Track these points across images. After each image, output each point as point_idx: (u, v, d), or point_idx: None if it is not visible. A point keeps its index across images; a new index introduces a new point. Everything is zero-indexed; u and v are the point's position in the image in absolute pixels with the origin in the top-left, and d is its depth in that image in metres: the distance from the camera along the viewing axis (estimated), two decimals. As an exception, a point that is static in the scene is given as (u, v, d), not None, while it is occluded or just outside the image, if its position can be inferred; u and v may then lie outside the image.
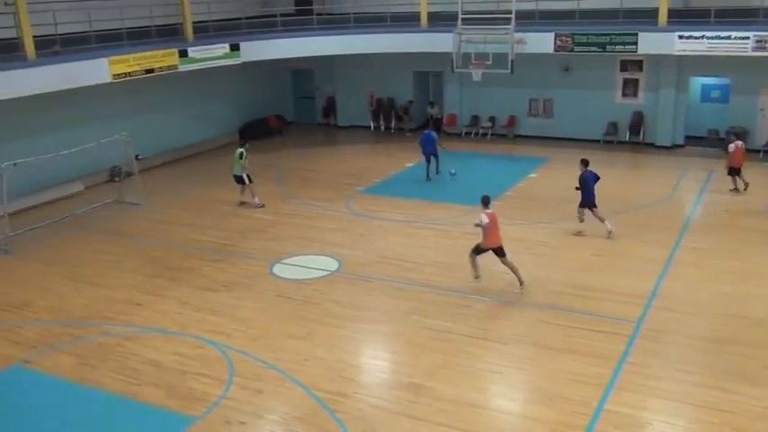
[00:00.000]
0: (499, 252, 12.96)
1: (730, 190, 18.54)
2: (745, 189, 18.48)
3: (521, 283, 13.05)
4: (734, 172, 18.42)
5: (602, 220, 15.66)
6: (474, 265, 13.14)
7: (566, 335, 11.54)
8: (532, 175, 21.01)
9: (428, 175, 20.52)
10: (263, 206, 18.36)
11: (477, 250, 13.07)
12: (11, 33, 17.70)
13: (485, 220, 12.75)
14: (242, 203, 18.58)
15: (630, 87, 24.02)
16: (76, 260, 15.51)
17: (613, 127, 24.34)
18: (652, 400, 9.74)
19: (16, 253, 16.05)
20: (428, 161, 20.48)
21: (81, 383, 10.64)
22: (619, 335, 11.44)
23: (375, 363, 11.21)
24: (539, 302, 12.71)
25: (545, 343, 11.31)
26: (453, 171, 19.91)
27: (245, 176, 18.29)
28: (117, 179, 20.75)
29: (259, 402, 9.98)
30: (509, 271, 13.12)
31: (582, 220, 15.80)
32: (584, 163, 15.83)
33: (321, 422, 9.48)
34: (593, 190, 15.59)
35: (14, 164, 16.13)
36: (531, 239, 15.74)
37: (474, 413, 9.56)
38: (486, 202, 13.13)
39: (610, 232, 15.53)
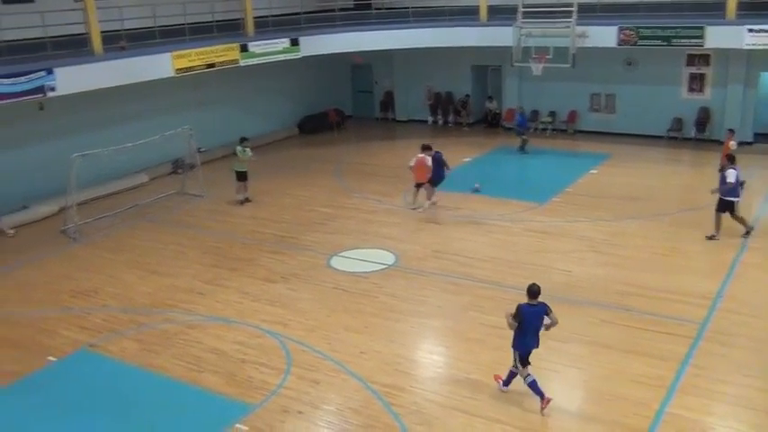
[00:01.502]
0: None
1: None
2: None
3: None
4: None
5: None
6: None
7: (626, 335, 11.32)
8: (593, 172, 20.64)
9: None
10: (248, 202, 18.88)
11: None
12: (80, 29, 18.24)
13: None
14: (246, 200, 18.88)
15: (697, 82, 23.31)
16: (141, 249, 15.93)
17: (678, 123, 23.71)
18: (715, 404, 9.51)
19: (84, 241, 16.58)
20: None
21: (144, 368, 10.95)
22: (682, 336, 11.16)
23: (431, 357, 11.20)
24: (599, 301, 12.49)
25: (605, 342, 11.11)
26: (477, 186, 18.90)
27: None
28: (180, 171, 21.22)
29: (316, 393, 10.09)
30: (567, 269, 12.93)
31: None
32: (731, 159, 15.32)
33: (376, 414, 9.53)
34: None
35: (83, 155, 16.63)
36: (593, 237, 15.48)
37: (530, 411, 9.47)
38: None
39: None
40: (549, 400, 9.34)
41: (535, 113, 25.96)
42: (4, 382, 10.75)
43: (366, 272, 14.19)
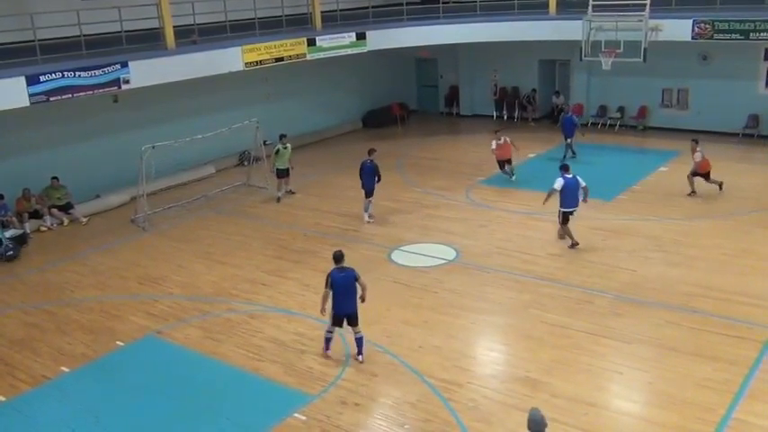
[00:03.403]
0: None
1: None
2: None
3: None
4: None
5: None
6: None
7: (693, 337, 10.99)
8: (662, 169, 20.07)
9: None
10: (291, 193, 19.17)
11: None
12: (154, 24, 18.74)
13: None
14: (289, 192, 19.15)
15: (775, 78, 22.43)
16: (207, 239, 16.31)
17: (754, 120, 22.81)
18: (788, 412, 9.13)
19: (153, 230, 17.08)
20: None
21: (207, 355, 11.22)
22: (751, 340, 10.76)
23: (490, 354, 11.11)
24: (666, 302, 12.15)
25: (671, 345, 10.81)
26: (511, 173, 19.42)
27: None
28: (245, 163, 21.62)
29: (373, 386, 10.14)
30: (632, 268, 12.64)
31: None
32: None
33: (434, 409, 9.52)
34: None
35: (153, 147, 17.11)
36: (661, 236, 15.06)
37: (592, 412, 9.30)
38: None
39: None
40: (327, 355, 10.75)
41: (603, 109, 25.40)
42: (75, 365, 11.18)
43: (426, 266, 14.17)
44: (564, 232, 14.80)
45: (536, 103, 26.85)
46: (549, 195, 14.70)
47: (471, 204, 17.85)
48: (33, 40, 16.30)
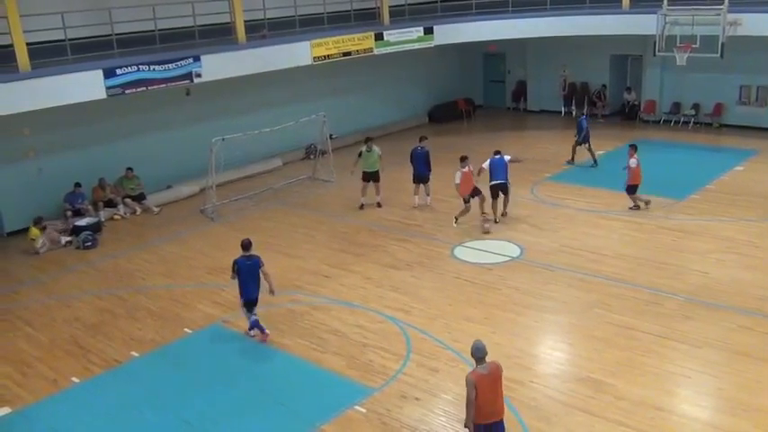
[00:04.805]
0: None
1: None
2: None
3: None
4: None
5: None
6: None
7: (766, 343, 10.57)
8: (738, 168, 19.36)
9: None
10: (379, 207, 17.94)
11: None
12: (225, 18, 19.13)
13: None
14: (377, 205, 17.89)
15: None
16: (272, 231, 16.56)
17: (839, 118, 21.81)
18: None
19: (221, 221, 17.46)
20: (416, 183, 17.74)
21: (270, 345, 11.41)
22: (831, 349, 10.30)
23: (553, 354, 10.95)
24: (740, 306, 11.73)
25: (743, 350, 10.43)
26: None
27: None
28: (312, 157, 21.87)
29: (434, 381, 10.13)
30: (704, 270, 12.27)
31: None
32: None
33: (495, 407, 9.43)
34: None
35: (222, 139, 17.48)
36: (736, 238, 14.55)
37: (658, 416, 9.07)
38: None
39: None
40: (267, 336, 11.41)
41: (677, 105, 24.65)
42: (145, 350, 11.54)
43: (490, 263, 14.05)
44: (491, 207, 16.03)
45: (606, 99, 26.26)
46: (479, 172, 16.19)
47: (537, 201, 17.60)
48: (111, 35, 16.87)
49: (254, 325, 11.43)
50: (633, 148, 16.42)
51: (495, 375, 7.82)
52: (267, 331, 11.48)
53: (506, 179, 16.13)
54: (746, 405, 9.18)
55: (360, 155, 17.74)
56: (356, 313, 12.33)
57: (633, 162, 16.12)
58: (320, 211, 17.86)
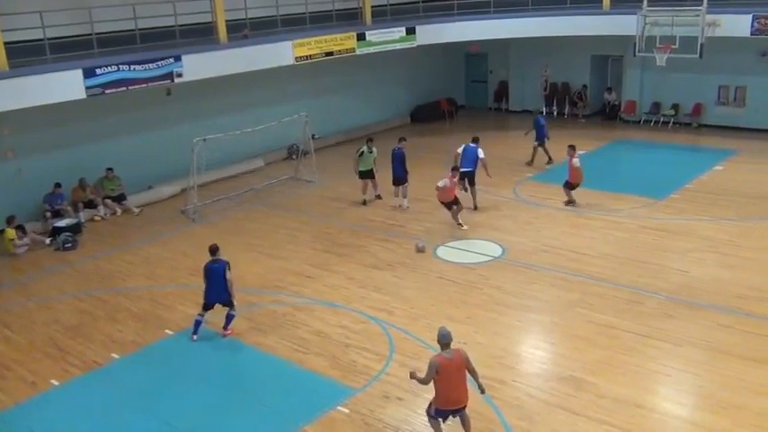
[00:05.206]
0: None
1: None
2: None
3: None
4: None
5: None
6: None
7: (747, 341, 10.68)
8: (718, 168, 19.55)
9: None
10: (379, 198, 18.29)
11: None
12: (206, 18, 19.02)
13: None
14: (377, 197, 18.25)
15: (839, 75, 21.63)
16: (255, 232, 16.49)
17: (816, 118, 22.08)
18: None
19: (202, 222, 17.36)
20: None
21: (253, 346, 11.36)
22: (809, 346, 10.42)
23: (535, 353, 10.99)
24: (719, 304, 11.84)
25: (723, 348, 10.53)
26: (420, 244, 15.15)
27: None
28: (294, 157, 21.81)
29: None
30: (684, 269, 12.36)
31: None
32: None
33: (477, 407, 9.43)
34: None
35: (204, 139, 17.37)
36: (716, 237, 14.69)
37: (639, 414, 9.13)
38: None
39: None
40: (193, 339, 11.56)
41: (657, 106, 24.86)
42: (126, 352, 11.44)
43: (472, 263, 14.08)
44: (465, 192, 16.71)
45: (587, 99, 26.43)
46: (455, 157, 16.92)
47: (519, 201, 17.67)
48: (91, 34, 16.71)
49: (196, 324, 11.63)
50: (572, 148, 16.73)
51: (458, 362, 8.14)
52: (195, 337, 11.62)
53: (474, 168, 16.68)
54: (726, 403, 9.26)
55: (361, 154, 17.84)
56: (339, 314, 12.31)
57: (576, 162, 16.45)
58: (303, 212, 17.82)
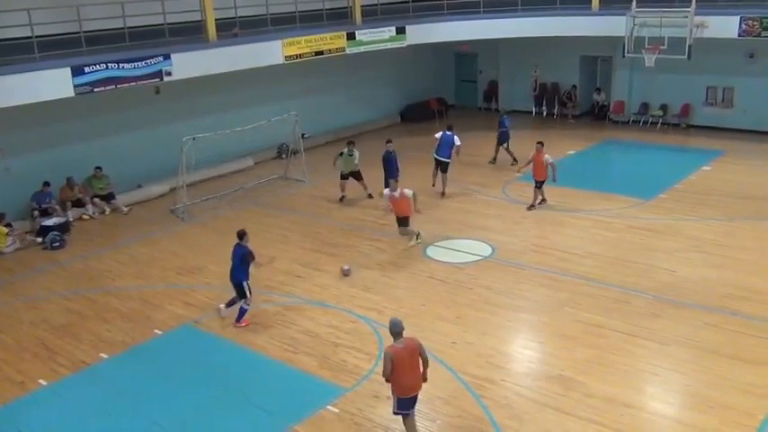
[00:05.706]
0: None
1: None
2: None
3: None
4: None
5: None
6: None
7: (733, 340, 10.78)
8: (705, 168, 19.69)
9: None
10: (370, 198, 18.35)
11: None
12: (196, 16, 18.96)
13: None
14: (368, 196, 18.34)
15: (826, 76, 21.81)
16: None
17: (802, 119, 22.26)
18: (830, 419, 8.90)
19: (192, 221, 17.32)
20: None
21: (243, 346, 11.35)
22: (795, 345, 10.52)
23: (524, 352, 11.05)
24: (706, 304, 11.93)
25: (710, 347, 10.62)
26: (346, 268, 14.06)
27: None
28: (284, 156, 21.78)
29: (407, 380, 10.13)
30: (671, 268, 12.45)
31: None
32: None
33: (465, 405, 9.51)
34: None
35: (193, 138, 17.32)
36: (701, 237, 14.80)
37: (627, 413, 9.19)
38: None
39: None
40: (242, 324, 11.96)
41: (645, 106, 25.00)
42: (115, 352, 11.41)
43: (462, 263, 14.12)
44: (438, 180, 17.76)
45: (576, 99, 26.54)
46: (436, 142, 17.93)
47: (508, 200, 17.74)
48: (79, 32, 16.62)
49: (242, 312, 11.96)
50: (541, 144, 16.85)
51: (411, 349, 8.29)
52: (244, 323, 11.95)
53: (449, 157, 17.72)
54: (714, 401, 9.34)
55: (341, 155, 17.99)
56: (329, 313, 12.32)
57: (549, 158, 16.59)
58: (293, 211, 17.80)
